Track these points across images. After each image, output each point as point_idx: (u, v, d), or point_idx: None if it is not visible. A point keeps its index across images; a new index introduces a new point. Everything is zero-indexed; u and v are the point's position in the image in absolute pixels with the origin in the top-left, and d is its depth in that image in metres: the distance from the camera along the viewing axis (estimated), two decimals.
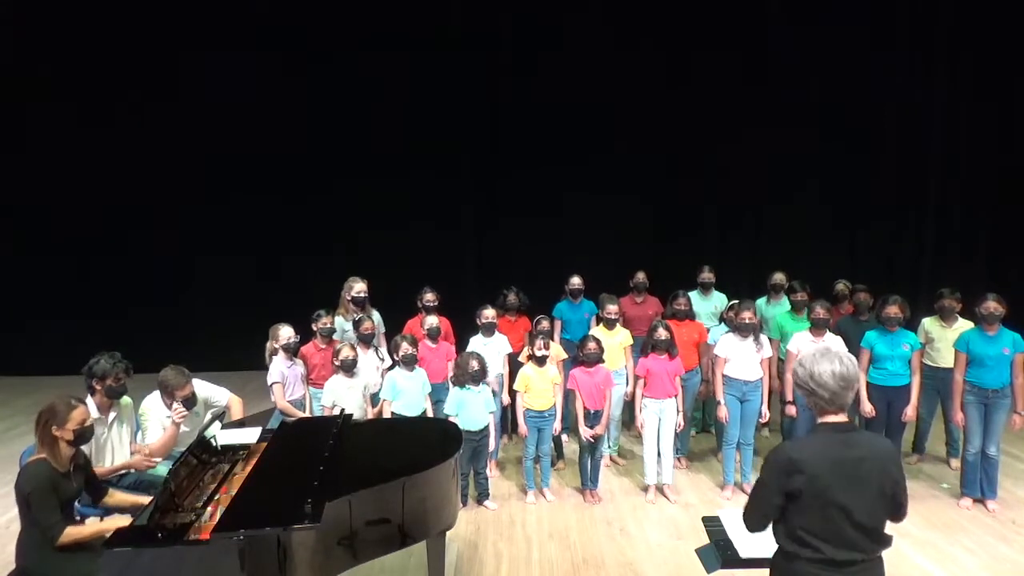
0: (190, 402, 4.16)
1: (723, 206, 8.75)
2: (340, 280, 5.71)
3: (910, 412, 4.93)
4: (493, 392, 5.21)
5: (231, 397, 4.53)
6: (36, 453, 3.12)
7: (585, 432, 4.95)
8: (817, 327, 5.04)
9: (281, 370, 4.95)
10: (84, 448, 3.51)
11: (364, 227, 8.31)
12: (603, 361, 5.04)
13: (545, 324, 5.54)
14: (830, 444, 2.22)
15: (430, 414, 4.99)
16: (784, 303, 6.01)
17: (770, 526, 2.35)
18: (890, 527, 2.27)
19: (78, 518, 3.41)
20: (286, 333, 4.98)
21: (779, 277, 6.16)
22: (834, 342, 4.94)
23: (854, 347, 4.59)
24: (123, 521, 3.01)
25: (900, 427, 4.95)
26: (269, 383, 4.95)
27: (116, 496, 3.45)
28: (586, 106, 8.30)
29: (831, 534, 2.17)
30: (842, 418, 2.28)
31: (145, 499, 3.31)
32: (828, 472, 2.16)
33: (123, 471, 3.94)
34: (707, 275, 6.24)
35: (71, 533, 3.02)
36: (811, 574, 2.20)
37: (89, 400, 3.83)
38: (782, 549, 2.30)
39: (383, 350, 5.53)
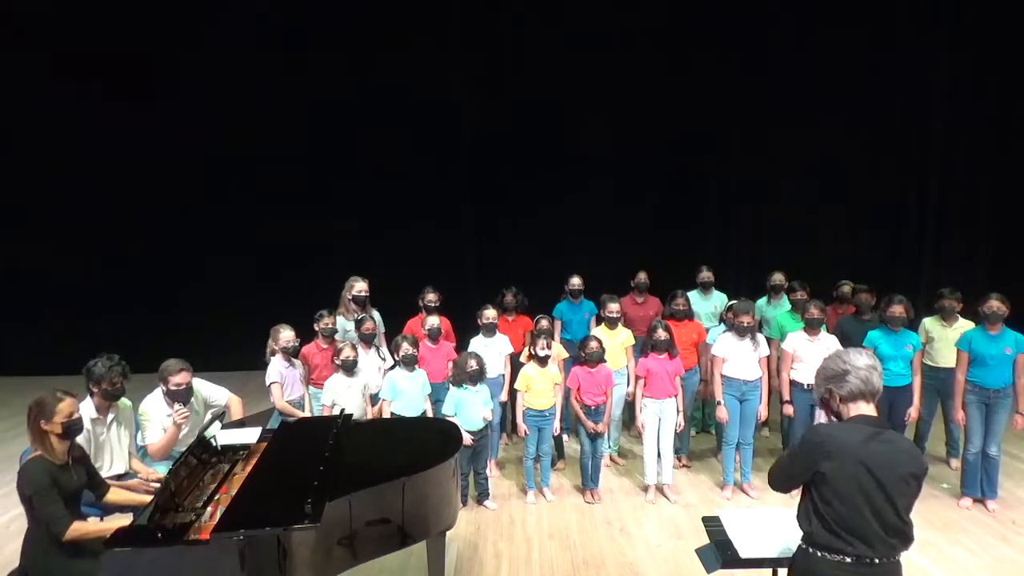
0: (185, 392, 4.12)
1: (723, 206, 8.75)
2: (341, 280, 5.70)
3: (913, 414, 4.95)
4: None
5: (231, 397, 4.53)
6: (32, 451, 3.12)
7: (589, 424, 4.95)
8: (812, 327, 5.05)
9: (279, 370, 4.94)
10: (84, 446, 3.51)
11: (364, 227, 8.31)
12: (604, 361, 5.05)
13: (545, 323, 5.55)
14: (864, 436, 2.22)
15: (430, 415, 4.98)
16: (784, 303, 6.02)
17: (795, 523, 2.35)
18: None
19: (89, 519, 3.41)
20: (286, 336, 4.96)
21: (778, 277, 6.18)
22: (830, 342, 4.95)
23: (855, 347, 4.58)
24: (126, 521, 3.00)
25: (901, 428, 4.94)
26: (267, 383, 4.94)
27: (119, 493, 3.44)
28: (586, 106, 8.30)
29: (859, 529, 2.18)
30: (872, 411, 2.29)
31: (147, 498, 3.29)
32: (862, 463, 2.17)
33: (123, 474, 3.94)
34: (706, 275, 6.24)
35: (78, 528, 2.99)
36: (831, 573, 2.21)
37: (88, 401, 3.83)
38: (803, 545, 2.30)
39: (384, 350, 5.52)
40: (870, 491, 2.17)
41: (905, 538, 2.22)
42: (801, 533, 2.33)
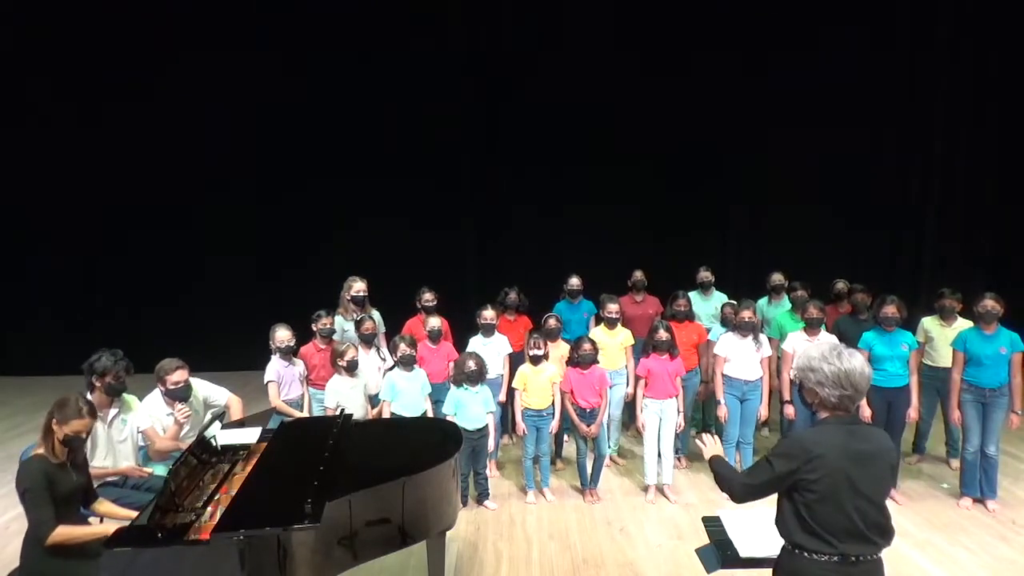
0: (184, 389, 4.12)
1: (724, 206, 8.76)
2: (340, 280, 5.71)
3: (913, 415, 4.94)
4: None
5: (231, 397, 4.53)
6: (37, 446, 3.11)
7: (583, 428, 4.95)
8: (812, 326, 5.05)
9: (277, 369, 4.95)
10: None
11: (364, 227, 8.31)
12: (598, 362, 5.05)
13: (553, 323, 5.44)
14: (843, 437, 2.23)
15: (430, 415, 4.99)
16: (785, 303, 6.02)
17: (774, 526, 2.34)
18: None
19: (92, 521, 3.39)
20: (282, 336, 4.97)
21: (778, 277, 6.18)
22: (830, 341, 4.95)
23: (852, 347, 4.58)
24: (110, 529, 2.90)
25: (900, 427, 4.94)
26: (265, 382, 4.95)
27: (107, 506, 3.40)
28: (586, 106, 8.30)
29: (843, 529, 2.18)
30: (846, 412, 2.29)
31: (133, 513, 3.23)
32: (844, 465, 2.17)
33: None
34: (704, 275, 6.24)
35: (62, 533, 2.96)
36: (816, 572, 2.20)
37: (88, 397, 3.83)
38: (788, 547, 2.29)
39: (384, 350, 5.52)
40: (854, 492, 2.17)
41: (886, 532, 2.23)
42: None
